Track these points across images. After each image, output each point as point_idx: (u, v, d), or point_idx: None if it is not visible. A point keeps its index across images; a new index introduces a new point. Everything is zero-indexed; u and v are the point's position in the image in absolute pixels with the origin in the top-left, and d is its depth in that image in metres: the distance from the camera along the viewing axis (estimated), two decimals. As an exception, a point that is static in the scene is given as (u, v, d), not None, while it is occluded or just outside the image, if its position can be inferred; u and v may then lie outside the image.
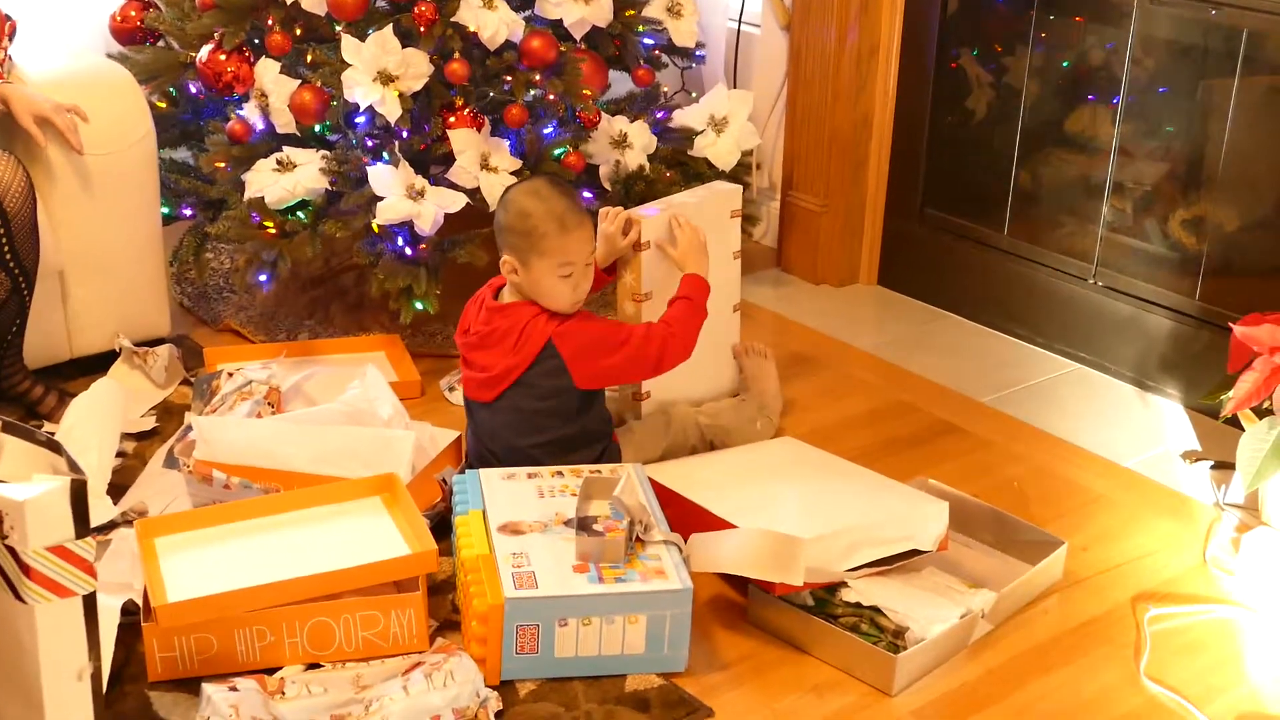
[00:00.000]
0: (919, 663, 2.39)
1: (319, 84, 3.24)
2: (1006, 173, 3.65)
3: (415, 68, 3.16)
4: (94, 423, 2.83)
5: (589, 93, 3.36)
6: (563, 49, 3.32)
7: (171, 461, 2.81)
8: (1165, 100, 3.32)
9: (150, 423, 3.06)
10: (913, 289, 3.90)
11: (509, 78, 3.29)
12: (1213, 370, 3.12)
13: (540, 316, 2.68)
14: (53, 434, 2.48)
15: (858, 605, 2.45)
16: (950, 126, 3.77)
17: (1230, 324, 2.82)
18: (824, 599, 2.48)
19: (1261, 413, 2.75)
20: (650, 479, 2.62)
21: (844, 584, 2.47)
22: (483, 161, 3.25)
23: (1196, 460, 3.08)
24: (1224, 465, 2.99)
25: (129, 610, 2.39)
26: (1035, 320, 3.62)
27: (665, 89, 3.79)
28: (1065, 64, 3.52)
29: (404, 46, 3.15)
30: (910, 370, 3.49)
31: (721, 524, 2.49)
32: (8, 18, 3.10)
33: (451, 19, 3.20)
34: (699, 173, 3.55)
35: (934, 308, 3.84)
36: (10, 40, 3.09)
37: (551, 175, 3.10)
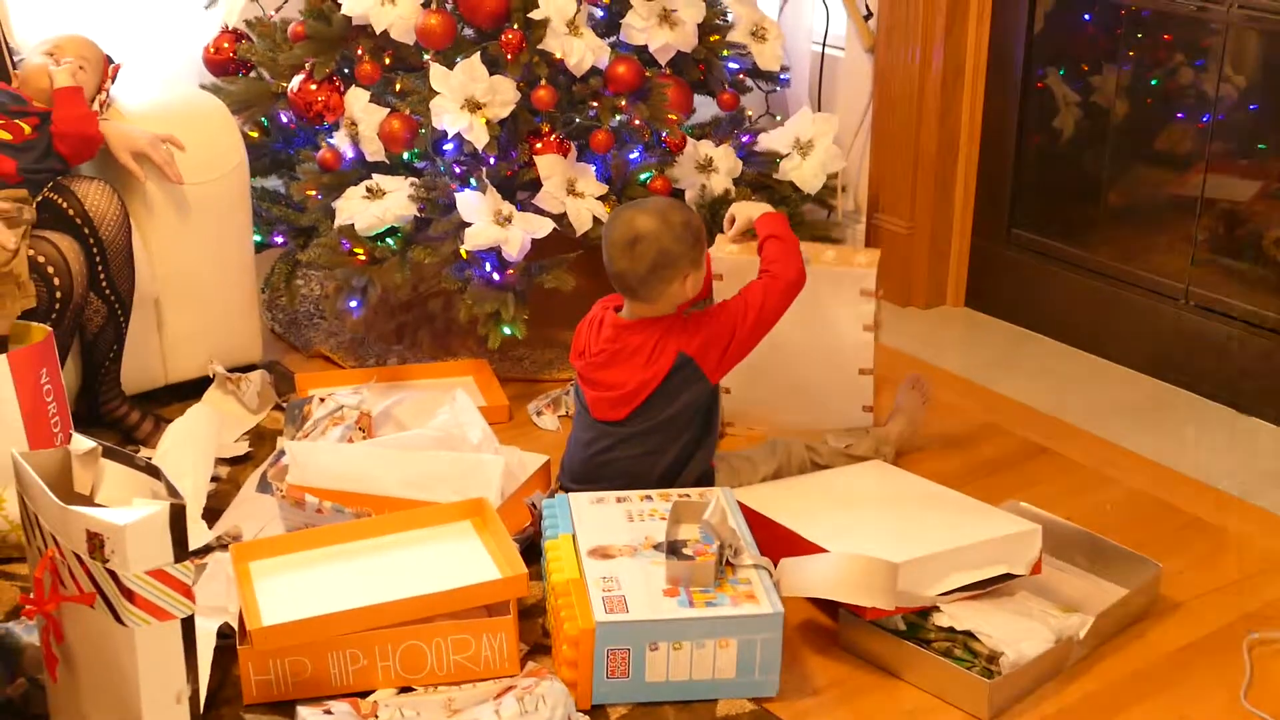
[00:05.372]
0: (1013, 688, 2.36)
1: (408, 112, 3.26)
2: (1095, 192, 3.61)
3: (502, 95, 3.18)
4: (189, 448, 2.85)
5: (674, 117, 3.36)
6: (648, 74, 3.33)
7: (265, 486, 2.84)
8: (1257, 118, 3.28)
9: (243, 448, 3.09)
10: (1001, 310, 3.87)
11: (595, 103, 3.30)
12: (1310, 391, 3.07)
13: (672, 329, 2.70)
14: (150, 459, 2.51)
15: (950, 630, 2.42)
16: (1037, 146, 3.74)
17: (1328, 344, 2.77)
18: (916, 624, 2.45)
19: (1361, 434, 2.70)
20: (740, 503, 2.61)
21: (936, 608, 2.44)
22: (569, 187, 3.25)
23: (1294, 482, 3.03)
24: (1323, 487, 2.94)
25: (224, 633, 2.40)
26: (1126, 341, 3.57)
27: (750, 113, 3.78)
28: (1154, 82, 3.48)
29: (491, 74, 3.16)
30: (999, 392, 3.46)
31: (811, 548, 2.48)
32: (110, 60, 3.16)
33: (538, 46, 3.21)
34: (784, 196, 3.54)
35: (1023, 329, 3.81)
36: (112, 81, 3.15)
37: (633, 200, 3.09)
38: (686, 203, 3.43)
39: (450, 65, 3.19)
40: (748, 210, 2.97)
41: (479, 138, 3.17)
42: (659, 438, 2.72)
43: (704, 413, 2.76)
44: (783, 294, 2.77)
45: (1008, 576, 2.52)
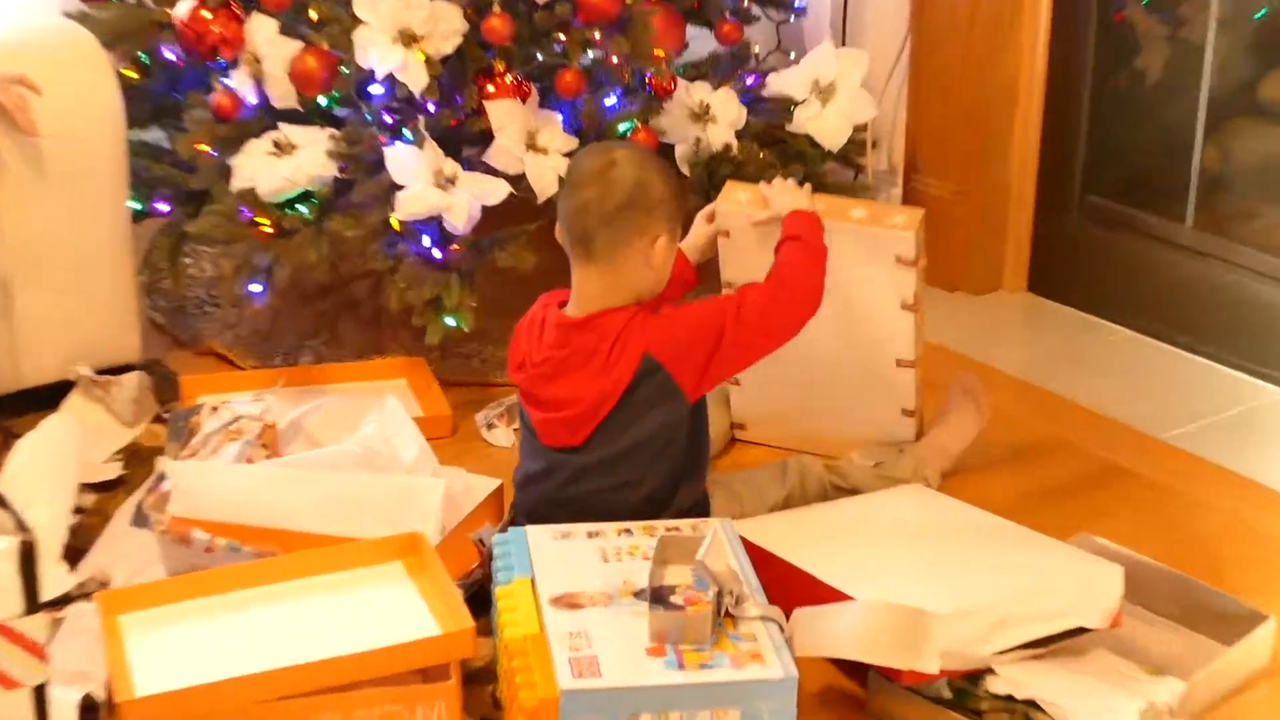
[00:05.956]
0: (1088, 771, 2.35)
1: (325, 46, 3.25)
2: (1188, 150, 3.62)
3: (445, 25, 3.18)
4: (44, 470, 2.84)
5: (661, 54, 3.37)
6: (628, 0, 3.31)
7: (141, 518, 2.81)
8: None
9: (115, 469, 3.07)
10: (1071, 296, 3.90)
11: (562, 36, 3.29)
12: None
13: (635, 324, 2.64)
14: (-6, 484, 2.49)
15: (1009, 699, 2.41)
16: (1116, 93, 3.75)
17: None
18: (965, 690, 2.44)
19: None
20: (742, 538, 2.60)
21: (990, 671, 2.43)
22: (528, 140, 3.25)
23: None
24: None
25: (88, 705, 2.36)
26: (1226, 335, 3.58)
27: (757, 49, 3.80)
28: (1260, 13, 3.48)
29: (431, -1, 3.16)
30: (1068, 398, 3.48)
31: (833, 595, 2.47)
32: None
33: (490, -36, 3.21)
34: (800, 151, 3.54)
35: (1098, 319, 3.84)
36: None
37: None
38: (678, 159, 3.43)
39: (379, -13, 3.18)
40: (782, 197, 2.91)
41: (415, 79, 3.17)
42: (629, 467, 2.68)
43: (687, 435, 2.72)
44: (789, 307, 2.72)
45: (1080, 630, 2.51)
